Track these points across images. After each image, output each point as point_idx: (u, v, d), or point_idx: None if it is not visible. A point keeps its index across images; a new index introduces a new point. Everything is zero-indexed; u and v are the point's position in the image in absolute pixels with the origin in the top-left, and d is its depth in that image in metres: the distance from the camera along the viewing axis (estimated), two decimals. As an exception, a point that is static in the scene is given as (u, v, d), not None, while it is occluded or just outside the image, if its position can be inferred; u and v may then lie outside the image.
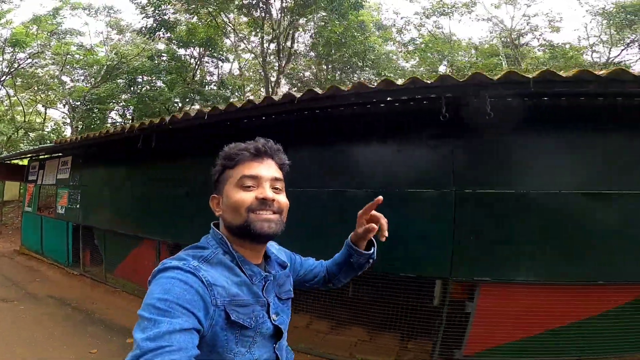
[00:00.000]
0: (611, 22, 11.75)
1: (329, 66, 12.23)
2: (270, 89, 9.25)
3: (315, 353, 3.45)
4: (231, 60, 13.15)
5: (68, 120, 13.71)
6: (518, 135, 2.83)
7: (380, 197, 1.05)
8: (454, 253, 2.92)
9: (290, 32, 9.88)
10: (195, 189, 4.33)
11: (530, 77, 2.44)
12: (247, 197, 0.89)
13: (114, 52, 12.65)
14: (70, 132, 14.16)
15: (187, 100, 12.00)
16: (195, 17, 10.34)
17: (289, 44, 10.14)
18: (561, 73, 2.42)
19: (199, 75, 13.36)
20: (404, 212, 3.05)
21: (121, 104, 12.23)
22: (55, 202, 6.87)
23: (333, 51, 11.09)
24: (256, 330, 0.87)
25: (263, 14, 10.25)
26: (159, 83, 12.91)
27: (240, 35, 11.26)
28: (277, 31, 9.30)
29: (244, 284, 0.88)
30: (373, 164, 3.27)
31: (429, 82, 2.67)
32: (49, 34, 11.65)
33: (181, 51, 12.86)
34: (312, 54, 11.31)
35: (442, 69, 15.00)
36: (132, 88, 11.33)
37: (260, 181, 0.92)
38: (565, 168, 2.79)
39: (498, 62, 14.48)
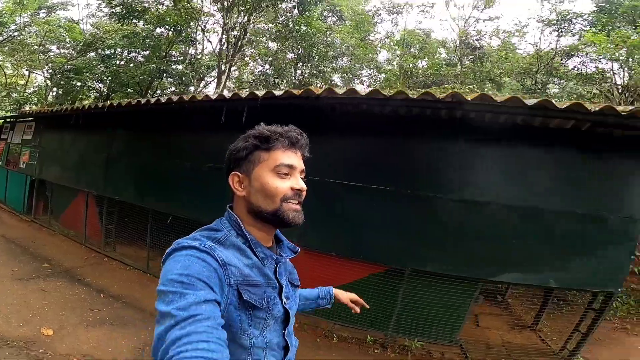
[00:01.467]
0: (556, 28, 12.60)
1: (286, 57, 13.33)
2: (221, 78, 10.41)
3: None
4: (199, 42, 14.23)
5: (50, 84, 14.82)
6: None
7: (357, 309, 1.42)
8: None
9: (247, 23, 10.98)
10: (114, 154, 5.72)
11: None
12: (283, 185, 0.93)
13: (95, 28, 13.72)
14: (51, 97, 15.37)
15: (157, 76, 13.13)
16: (164, 4, 11.40)
17: (243, 34, 11.25)
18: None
19: (172, 54, 14.38)
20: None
21: (97, 75, 13.35)
22: (19, 158, 8.21)
23: (291, 44, 12.21)
24: (267, 311, 0.90)
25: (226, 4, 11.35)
26: (139, 58, 13.98)
27: (205, 22, 12.35)
28: (230, 22, 10.42)
29: (255, 266, 0.91)
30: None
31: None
32: (35, 9, 12.64)
33: (157, 30, 13.80)
34: (271, 45, 12.45)
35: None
36: (105, 63, 12.45)
37: (295, 171, 0.95)
38: (329, 163, 3.74)
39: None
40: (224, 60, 10.05)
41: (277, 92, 3.69)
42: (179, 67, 12.86)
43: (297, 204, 0.94)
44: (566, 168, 3.31)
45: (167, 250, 0.84)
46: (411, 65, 15.58)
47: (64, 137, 7.07)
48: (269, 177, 0.92)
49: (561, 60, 11.74)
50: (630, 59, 8.95)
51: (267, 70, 14.38)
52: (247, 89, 15.43)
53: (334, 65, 15.01)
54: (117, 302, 4.10)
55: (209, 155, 4.46)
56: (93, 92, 14.98)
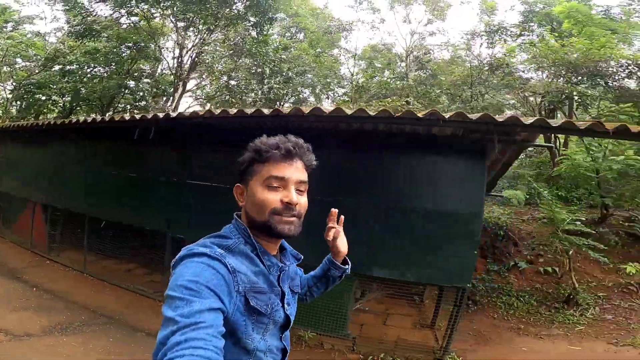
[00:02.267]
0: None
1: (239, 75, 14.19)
2: (174, 95, 11.16)
3: (133, 289, 5.31)
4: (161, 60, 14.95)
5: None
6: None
7: (334, 210, 1.22)
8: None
9: (202, 43, 11.82)
10: (58, 166, 6.42)
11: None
12: (272, 198, 0.95)
13: (60, 42, 14.23)
14: (14, 110, 15.71)
15: (118, 92, 13.74)
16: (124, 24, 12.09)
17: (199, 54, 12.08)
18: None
19: (137, 69, 14.99)
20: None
21: (59, 90, 13.82)
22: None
23: (245, 60, 13.10)
24: (270, 317, 0.95)
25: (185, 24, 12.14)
26: (101, 73, 14.52)
27: (165, 40, 13.12)
28: (185, 42, 11.25)
29: (261, 273, 0.96)
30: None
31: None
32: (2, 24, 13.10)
33: (122, 47, 14.37)
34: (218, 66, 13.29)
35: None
36: (65, 78, 12.97)
37: (287, 183, 0.97)
38: None
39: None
40: (179, 78, 10.81)
41: (187, 113, 4.55)
42: (141, 83, 13.50)
43: (290, 217, 0.96)
44: (411, 169, 3.86)
45: (177, 256, 0.87)
46: (370, 79, 16.75)
47: (16, 150, 7.68)
48: (259, 190, 0.96)
49: (490, 71, 12.79)
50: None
51: (230, 85, 15.21)
52: (216, 103, 16.25)
53: (301, 80, 15.85)
54: (47, 294, 4.80)
55: (129, 165, 5.25)
56: (58, 106, 15.42)
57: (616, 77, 8.89)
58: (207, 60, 12.92)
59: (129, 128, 4.77)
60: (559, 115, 11.36)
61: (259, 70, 13.59)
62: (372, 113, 3.34)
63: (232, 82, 14.91)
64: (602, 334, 4.98)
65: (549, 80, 10.57)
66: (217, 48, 13.60)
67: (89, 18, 10.53)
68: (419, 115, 3.23)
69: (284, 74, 14.40)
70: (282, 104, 15.74)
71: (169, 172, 5.02)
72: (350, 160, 4.09)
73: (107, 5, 11.34)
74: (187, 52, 11.54)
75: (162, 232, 5.00)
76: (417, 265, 3.77)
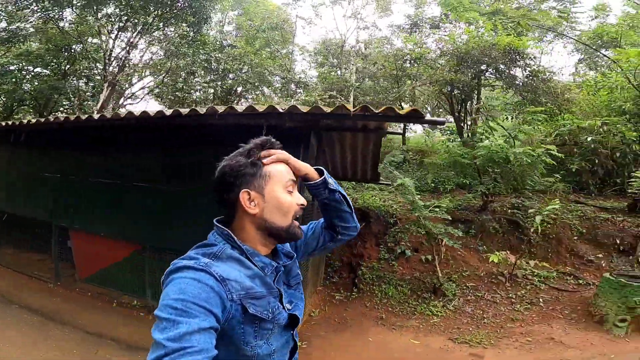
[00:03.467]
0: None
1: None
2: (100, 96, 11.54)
3: (15, 269, 5.97)
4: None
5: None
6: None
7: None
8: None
9: (132, 46, 12.24)
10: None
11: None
12: (293, 202, 0.97)
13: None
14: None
15: (55, 92, 13.92)
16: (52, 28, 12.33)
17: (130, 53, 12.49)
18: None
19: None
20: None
21: (-6, 91, 13.91)
22: None
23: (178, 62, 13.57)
24: (274, 321, 0.92)
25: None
26: (34, 74, 14.60)
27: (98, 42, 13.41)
28: (114, 43, 11.65)
29: (256, 276, 0.92)
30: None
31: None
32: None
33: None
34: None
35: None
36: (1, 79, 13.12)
37: (295, 185, 0.99)
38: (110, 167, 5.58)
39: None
40: (104, 79, 11.23)
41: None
42: (70, 84, 13.75)
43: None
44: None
45: (165, 272, 0.84)
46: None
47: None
48: (282, 195, 0.95)
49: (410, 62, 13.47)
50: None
51: (174, 84, 15.59)
52: (163, 102, 16.58)
53: (237, 76, 16.34)
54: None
55: (22, 163, 5.87)
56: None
57: (500, 66, 9.72)
58: (144, 60, 13.36)
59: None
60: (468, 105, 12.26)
61: (193, 69, 14.10)
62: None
63: (169, 81, 15.32)
64: (450, 328, 4.97)
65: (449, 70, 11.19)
66: (152, 49, 14.01)
67: (11, 26, 10.77)
68: (239, 110, 3.73)
69: (220, 72, 14.98)
70: (233, 100, 16.26)
71: (52, 170, 5.73)
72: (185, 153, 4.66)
73: (32, 11, 11.57)
74: (112, 53, 11.91)
75: (48, 222, 5.68)
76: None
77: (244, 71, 15.96)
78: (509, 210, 7.65)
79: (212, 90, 16.06)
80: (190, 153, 4.54)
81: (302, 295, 1.09)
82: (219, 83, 15.61)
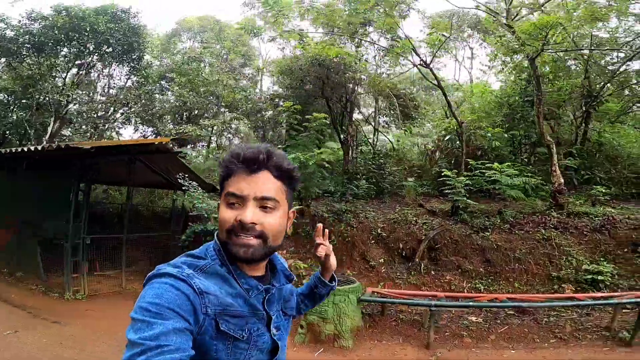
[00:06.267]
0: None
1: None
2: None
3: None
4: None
5: None
6: None
7: (320, 225, 1.16)
8: None
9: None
10: None
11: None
12: (229, 216, 0.89)
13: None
14: None
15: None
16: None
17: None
18: None
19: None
20: None
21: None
22: None
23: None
24: (250, 343, 0.89)
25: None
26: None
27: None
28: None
29: (239, 295, 0.89)
30: None
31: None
32: None
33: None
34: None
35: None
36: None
37: (245, 201, 0.88)
38: None
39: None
40: (53, 114, 14.12)
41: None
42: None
43: (247, 238, 0.88)
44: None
45: (148, 275, 0.84)
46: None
47: None
48: (221, 207, 0.91)
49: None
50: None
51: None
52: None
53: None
54: None
55: None
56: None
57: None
58: (92, 97, 16.44)
59: None
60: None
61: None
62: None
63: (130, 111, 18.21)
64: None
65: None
66: (99, 85, 17.01)
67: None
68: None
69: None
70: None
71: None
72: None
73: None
74: (63, 89, 14.74)
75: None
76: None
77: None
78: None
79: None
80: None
81: (289, 328, 1.09)
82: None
